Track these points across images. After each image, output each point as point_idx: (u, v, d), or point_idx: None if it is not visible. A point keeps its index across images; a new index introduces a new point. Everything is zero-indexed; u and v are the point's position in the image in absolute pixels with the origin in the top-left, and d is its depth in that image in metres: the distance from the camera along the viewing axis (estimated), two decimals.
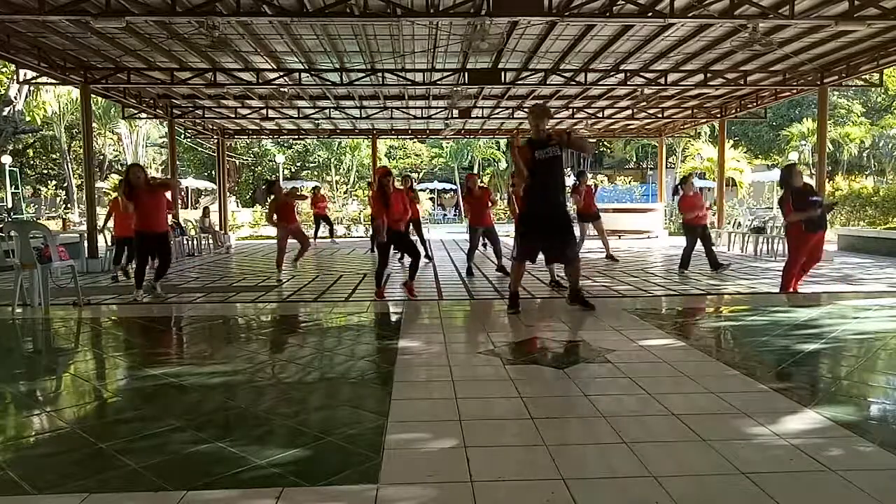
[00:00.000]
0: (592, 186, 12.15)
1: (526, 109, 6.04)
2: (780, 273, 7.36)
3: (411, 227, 10.14)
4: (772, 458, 2.50)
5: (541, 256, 6.02)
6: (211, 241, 14.69)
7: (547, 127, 5.69)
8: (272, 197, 9.11)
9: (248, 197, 34.31)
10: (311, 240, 16.13)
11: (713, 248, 9.67)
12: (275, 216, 9.05)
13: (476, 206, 9.27)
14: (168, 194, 8.13)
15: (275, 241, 9.52)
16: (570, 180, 12.75)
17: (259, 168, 35.84)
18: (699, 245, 9.35)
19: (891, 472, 2.37)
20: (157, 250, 7.37)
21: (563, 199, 5.80)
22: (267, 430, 2.89)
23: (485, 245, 12.21)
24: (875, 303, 6.43)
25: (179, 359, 4.50)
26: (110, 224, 10.00)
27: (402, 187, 9.11)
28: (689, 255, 9.34)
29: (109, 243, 10.56)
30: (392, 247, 7.24)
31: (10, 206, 23.48)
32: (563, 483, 2.27)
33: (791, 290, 7.07)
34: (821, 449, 2.56)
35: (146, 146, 30.68)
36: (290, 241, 9.25)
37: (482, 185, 9.81)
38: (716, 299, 7.07)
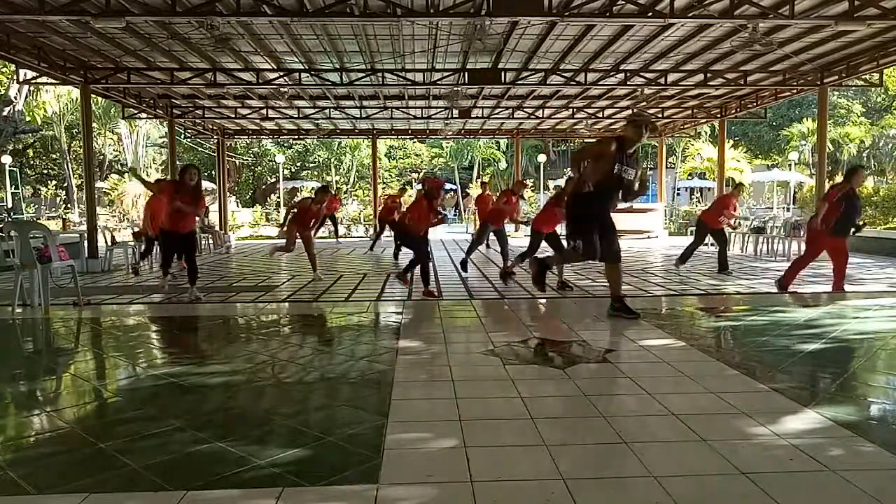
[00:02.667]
0: None
1: (634, 116, 5.53)
2: (781, 272, 7.39)
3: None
4: (772, 458, 2.50)
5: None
6: (211, 240, 14.67)
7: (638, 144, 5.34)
8: (311, 200, 8.94)
9: (248, 197, 34.35)
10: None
11: (727, 250, 9.73)
12: (292, 218, 8.87)
13: (496, 208, 9.50)
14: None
15: (274, 241, 9.49)
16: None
17: (259, 168, 35.84)
18: (699, 246, 9.39)
19: (891, 472, 2.38)
20: (183, 249, 7.56)
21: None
22: (267, 430, 2.89)
23: (487, 245, 12.24)
24: (875, 303, 6.43)
25: (179, 359, 4.50)
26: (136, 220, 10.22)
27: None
28: (692, 253, 9.37)
29: (133, 240, 10.94)
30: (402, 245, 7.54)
31: (10, 206, 23.45)
32: (563, 483, 2.27)
33: (789, 285, 7.17)
34: (821, 449, 2.56)
35: (146, 146, 30.60)
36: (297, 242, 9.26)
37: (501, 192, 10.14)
38: (716, 299, 7.06)
